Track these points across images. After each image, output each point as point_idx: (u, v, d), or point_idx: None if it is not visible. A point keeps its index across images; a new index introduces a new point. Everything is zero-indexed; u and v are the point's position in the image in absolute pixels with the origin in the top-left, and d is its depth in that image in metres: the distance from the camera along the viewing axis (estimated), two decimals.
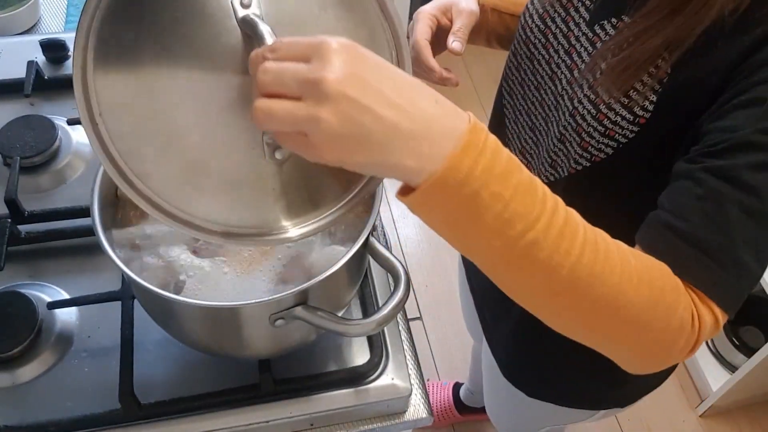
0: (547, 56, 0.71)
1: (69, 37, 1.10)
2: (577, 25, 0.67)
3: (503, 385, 0.98)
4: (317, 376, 0.77)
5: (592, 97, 0.64)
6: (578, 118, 0.66)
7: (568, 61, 0.68)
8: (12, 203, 0.84)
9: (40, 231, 0.86)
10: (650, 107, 0.60)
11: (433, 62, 0.73)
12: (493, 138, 0.44)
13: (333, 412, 0.75)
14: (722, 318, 0.52)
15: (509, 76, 0.80)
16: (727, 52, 0.55)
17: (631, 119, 0.61)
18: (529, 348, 0.91)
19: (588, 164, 0.68)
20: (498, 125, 0.83)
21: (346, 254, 0.63)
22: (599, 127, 0.64)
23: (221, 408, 0.74)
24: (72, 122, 0.98)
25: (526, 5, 0.75)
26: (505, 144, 0.76)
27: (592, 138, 0.65)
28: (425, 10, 0.76)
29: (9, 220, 0.84)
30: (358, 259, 0.68)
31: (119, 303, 0.78)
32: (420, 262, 2.07)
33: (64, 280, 0.84)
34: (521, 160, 0.69)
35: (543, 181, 0.61)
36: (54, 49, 1.07)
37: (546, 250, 0.45)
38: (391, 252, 0.66)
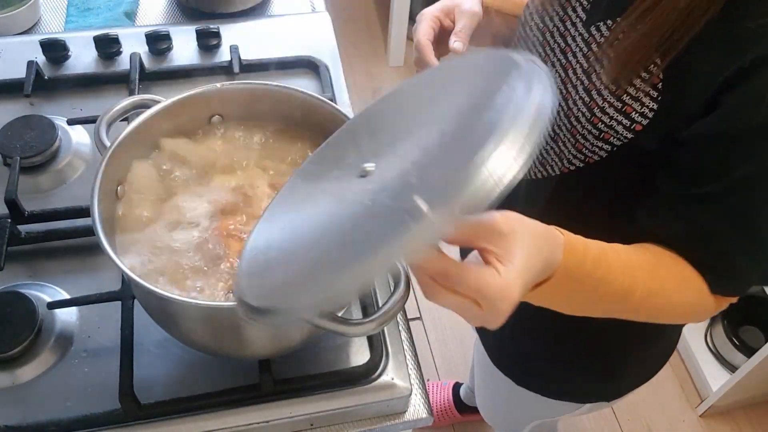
0: (543, 54, 0.71)
1: (69, 37, 1.10)
2: (573, 24, 0.67)
3: (493, 375, 0.99)
4: (317, 376, 0.77)
5: (587, 99, 0.64)
6: (573, 119, 0.66)
7: (563, 61, 0.68)
8: (12, 203, 0.84)
9: (40, 231, 0.86)
10: (648, 114, 0.60)
11: (435, 61, 0.74)
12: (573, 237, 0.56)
13: (333, 412, 0.75)
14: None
15: None
16: (719, 68, 0.55)
17: (628, 125, 0.62)
18: (517, 337, 0.92)
19: (581, 165, 0.68)
20: None
21: None
22: (593, 130, 0.64)
23: (221, 408, 0.74)
24: (72, 122, 0.98)
25: (527, 2, 0.75)
26: None
27: (586, 140, 0.66)
28: (428, 11, 0.77)
29: (9, 220, 0.84)
30: None
31: (119, 303, 0.78)
32: None
33: (64, 280, 0.84)
34: None
35: (531, 178, 0.71)
36: (54, 49, 1.07)
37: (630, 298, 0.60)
38: None
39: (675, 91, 0.59)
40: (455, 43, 0.74)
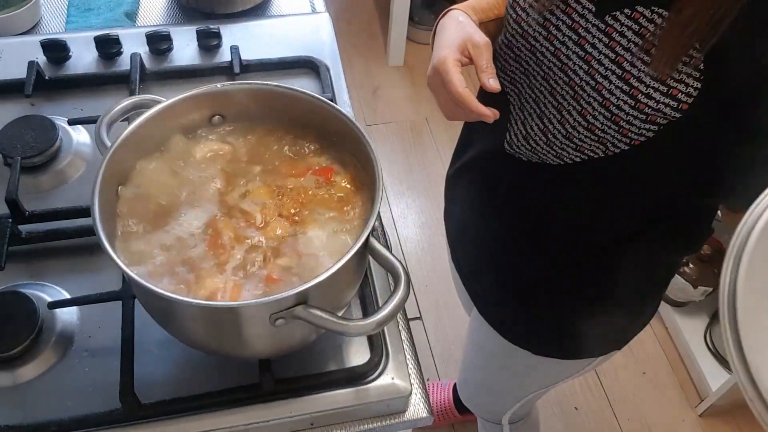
0: (552, 48, 0.72)
1: (70, 38, 1.10)
2: (581, 16, 0.68)
3: (486, 343, 1.01)
4: (317, 375, 0.77)
5: (626, 88, 0.65)
6: (613, 108, 0.67)
7: (581, 53, 0.68)
8: (13, 203, 0.85)
9: (40, 231, 0.86)
10: (694, 93, 0.62)
11: (484, 108, 0.70)
12: None
13: (333, 412, 0.76)
14: None
15: (508, 67, 0.80)
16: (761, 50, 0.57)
17: (675, 105, 0.63)
18: (513, 293, 0.94)
19: (626, 147, 0.70)
20: (501, 110, 0.83)
21: (346, 254, 0.63)
22: (640, 115, 0.66)
23: (222, 407, 0.74)
24: (72, 122, 0.98)
25: (513, 1, 0.76)
26: (509, 127, 0.81)
27: (632, 125, 0.67)
28: (449, 56, 0.73)
29: (10, 220, 0.84)
30: (358, 259, 0.68)
31: (120, 303, 0.78)
32: (420, 262, 2.07)
33: (64, 280, 0.84)
34: (524, 146, 0.79)
35: (555, 163, 0.77)
36: (55, 50, 1.07)
37: None
38: (391, 252, 0.66)
39: (719, 70, 0.60)
40: (490, 80, 0.71)
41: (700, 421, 1.79)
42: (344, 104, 1.05)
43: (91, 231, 0.65)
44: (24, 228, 0.86)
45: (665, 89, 0.63)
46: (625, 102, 0.66)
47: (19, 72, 1.03)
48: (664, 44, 0.61)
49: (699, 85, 0.61)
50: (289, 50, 1.12)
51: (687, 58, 0.61)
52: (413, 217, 2.19)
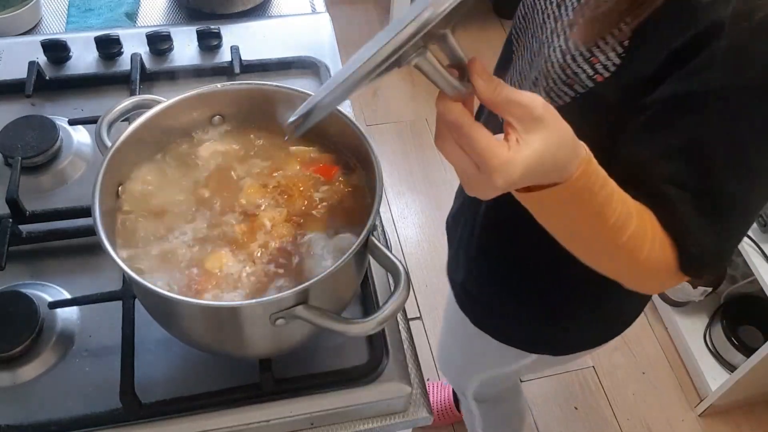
0: (543, 6, 0.74)
1: (70, 38, 1.10)
2: None
3: (455, 317, 1.05)
4: (318, 375, 0.77)
5: (563, 47, 0.68)
6: (548, 65, 0.69)
7: (557, 13, 0.71)
8: (13, 203, 0.85)
9: (41, 231, 0.86)
10: (611, 68, 0.64)
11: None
12: (596, 164, 0.56)
13: (333, 412, 0.76)
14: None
15: (519, 37, 0.83)
16: (675, 36, 0.59)
17: (591, 74, 0.65)
18: (482, 276, 0.96)
19: None
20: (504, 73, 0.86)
21: (346, 254, 0.64)
22: (562, 75, 0.68)
23: (222, 407, 0.74)
24: (73, 122, 0.98)
25: None
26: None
27: (555, 84, 0.69)
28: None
29: (10, 220, 0.84)
30: (359, 258, 0.68)
31: (120, 302, 0.78)
32: (420, 262, 2.07)
33: (65, 280, 0.84)
34: None
35: None
36: (55, 50, 1.07)
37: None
38: (391, 252, 0.66)
39: (636, 52, 0.62)
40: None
41: (700, 420, 1.79)
42: (344, 104, 1.05)
43: (91, 231, 0.65)
44: (24, 228, 0.86)
45: (588, 55, 0.65)
46: (557, 59, 0.68)
47: (19, 72, 1.03)
48: (596, 16, 0.63)
49: (617, 61, 0.63)
50: (290, 50, 1.12)
51: (617, 31, 0.62)
52: (413, 217, 2.19)
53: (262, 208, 0.74)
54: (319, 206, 0.74)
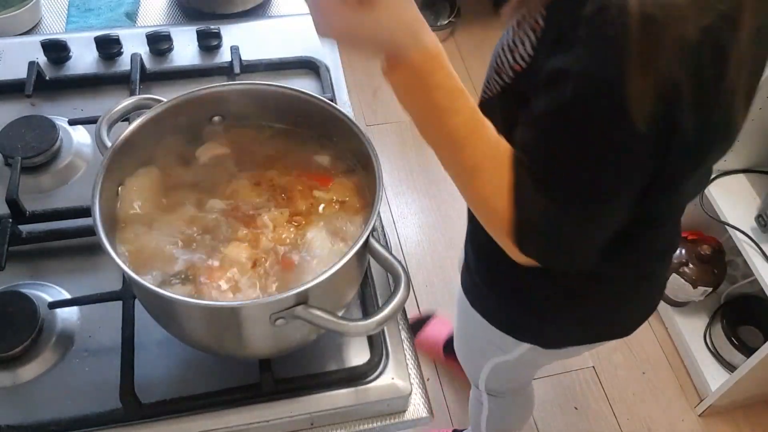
0: None
1: (70, 38, 1.10)
2: None
3: (462, 303, 1.07)
4: (318, 375, 0.77)
5: (504, 37, 0.71)
6: (496, 57, 0.73)
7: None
8: (13, 203, 0.85)
9: (41, 231, 0.86)
10: (527, 58, 0.66)
11: None
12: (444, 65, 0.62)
13: (333, 412, 0.76)
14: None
15: None
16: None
17: (511, 61, 0.69)
18: (480, 261, 0.98)
19: (486, 96, 0.76)
20: None
21: (346, 254, 0.64)
22: (494, 64, 0.72)
23: (222, 407, 0.74)
24: (73, 122, 0.98)
25: None
26: None
27: (493, 73, 0.73)
28: None
29: (10, 220, 0.84)
30: (358, 259, 0.68)
31: (120, 303, 0.78)
32: (420, 262, 2.07)
33: (65, 280, 0.84)
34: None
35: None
36: (55, 50, 1.08)
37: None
38: (391, 252, 0.66)
39: (547, 37, 0.64)
40: None
41: (700, 420, 1.79)
42: (344, 104, 1.05)
43: (91, 231, 0.65)
44: (24, 228, 0.86)
45: (513, 45, 0.68)
46: (497, 49, 0.72)
47: (19, 72, 1.03)
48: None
49: (531, 52, 0.66)
50: (289, 50, 1.12)
51: (531, 20, 0.65)
52: (413, 217, 2.19)
53: (262, 208, 0.74)
54: (319, 206, 0.74)
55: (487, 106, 0.74)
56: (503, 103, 0.73)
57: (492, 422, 1.40)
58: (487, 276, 0.97)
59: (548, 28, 0.63)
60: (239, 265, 0.69)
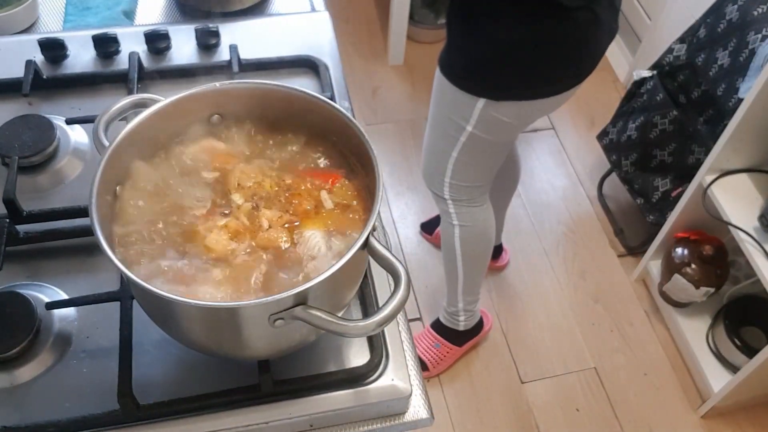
0: None
1: (67, 36, 1.10)
2: None
3: (435, 91, 1.35)
4: (317, 376, 0.76)
5: None
6: None
7: None
8: (10, 203, 0.84)
9: (38, 231, 0.86)
10: None
11: None
12: None
13: (333, 413, 0.75)
14: None
15: None
16: None
17: None
18: (450, 21, 1.25)
19: None
20: None
21: (346, 254, 0.63)
22: None
23: (220, 409, 0.74)
24: (70, 122, 0.97)
25: None
26: None
27: None
28: None
29: (7, 220, 0.84)
30: (358, 259, 0.68)
31: (118, 303, 0.78)
32: (420, 263, 2.07)
33: (62, 281, 0.84)
34: None
35: None
36: (52, 48, 1.07)
37: None
38: (391, 252, 0.66)
39: None
40: None
41: (702, 422, 1.78)
42: (344, 104, 1.05)
43: (89, 231, 0.65)
44: (22, 228, 0.85)
45: None
46: None
47: (16, 71, 1.02)
48: None
49: None
50: (289, 49, 1.11)
51: None
52: (413, 217, 2.19)
53: (262, 207, 0.73)
54: (319, 206, 0.74)
55: None
56: None
57: (466, 243, 1.57)
58: (460, 35, 1.21)
59: None
60: (239, 265, 0.69)
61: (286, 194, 0.75)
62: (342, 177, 0.76)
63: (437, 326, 1.82)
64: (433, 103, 1.38)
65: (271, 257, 0.69)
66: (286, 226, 0.72)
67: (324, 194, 0.75)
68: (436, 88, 1.33)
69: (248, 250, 0.70)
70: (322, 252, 0.70)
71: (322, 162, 0.78)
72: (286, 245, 0.70)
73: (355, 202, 0.74)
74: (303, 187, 0.75)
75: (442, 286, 1.75)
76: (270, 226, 0.71)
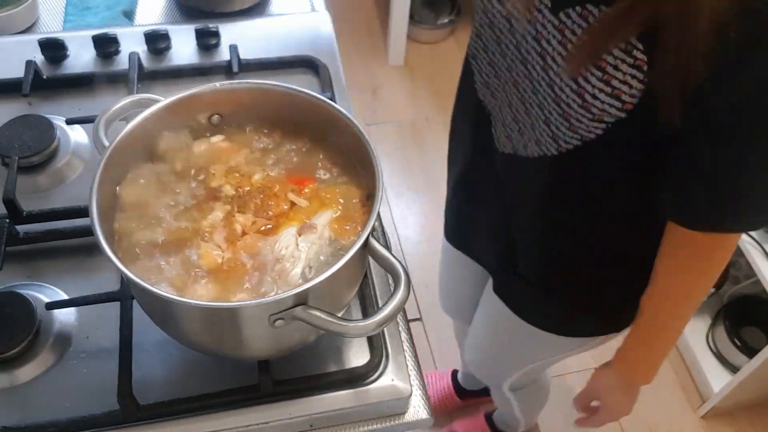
0: (515, 41, 0.71)
1: (67, 37, 1.09)
2: (540, 11, 0.67)
3: (498, 316, 1.05)
4: (317, 376, 0.76)
5: (575, 87, 0.65)
6: (563, 105, 0.67)
7: (538, 48, 0.68)
8: (10, 203, 0.84)
9: (38, 231, 0.86)
10: (638, 94, 0.62)
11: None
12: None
13: (333, 413, 0.75)
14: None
15: (477, 55, 0.80)
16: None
17: (619, 106, 0.64)
18: (546, 266, 0.95)
19: (579, 143, 0.71)
20: (474, 101, 0.84)
21: (346, 255, 0.63)
22: (587, 114, 0.66)
23: (220, 409, 0.74)
24: (70, 122, 0.97)
25: None
26: (487, 118, 0.83)
27: (581, 123, 0.68)
28: None
29: (7, 221, 0.84)
30: (358, 259, 0.68)
31: (118, 303, 0.78)
32: (420, 263, 2.07)
33: (62, 281, 0.84)
34: (504, 133, 0.80)
35: (525, 155, 0.79)
36: (52, 49, 1.07)
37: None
38: (391, 252, 0.66)
39: (662, 70, 0.60)
40: None
41: (702, 422, 1.78)
42: (344, 104, 1.05)
43: (89, 231, 0.65)
44: (21, 228, 0.85)
45: (610, 90, 0.63)
46: (574, 100, 0.66)
47: (16, 71, 1.02)
48: (583, 42, 0.62)
49: (642, 87, 0.62)
50: (289, 49, 1.11)
51: (631, 60, 0.61)
52: (413, 217, 2.19)
53: (263, 207, 0.73)
54: (320, 207, 0.74)
55: (565, 158, 0.73)
56: (609, 143, 0.69)
57: (526, 410, 1.45)
58: (559, 284, 0.94)
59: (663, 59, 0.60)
60: (239, 265, 0.68)
61: (285, 195, 0.74)
62: (314, 183, 0.76)
63: (459, 389, 1.73)
64: (495, 337, 1.16)
65: (274, 257, 0.69)
66: (294, 230, 0.72)
67: (324, 194, 0.75)
68: (503, 328, 1.09)
69: (247, 251, 0.70)
70: (323, 252, 0.70)
71: (321, 161, 0.78)
72: (289, 245, 0.70)
73: (354, 203, 0.74)
74: (306, 189, 0.75)
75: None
76: (274, 225, 0.71)
